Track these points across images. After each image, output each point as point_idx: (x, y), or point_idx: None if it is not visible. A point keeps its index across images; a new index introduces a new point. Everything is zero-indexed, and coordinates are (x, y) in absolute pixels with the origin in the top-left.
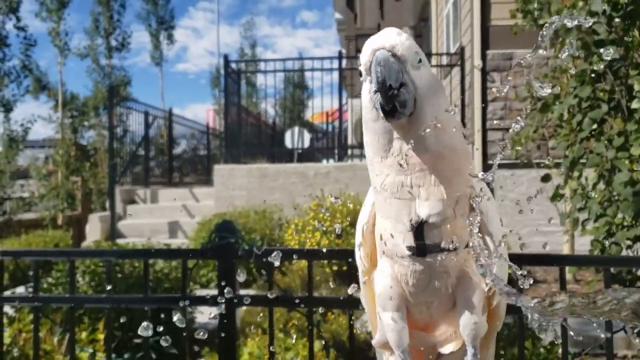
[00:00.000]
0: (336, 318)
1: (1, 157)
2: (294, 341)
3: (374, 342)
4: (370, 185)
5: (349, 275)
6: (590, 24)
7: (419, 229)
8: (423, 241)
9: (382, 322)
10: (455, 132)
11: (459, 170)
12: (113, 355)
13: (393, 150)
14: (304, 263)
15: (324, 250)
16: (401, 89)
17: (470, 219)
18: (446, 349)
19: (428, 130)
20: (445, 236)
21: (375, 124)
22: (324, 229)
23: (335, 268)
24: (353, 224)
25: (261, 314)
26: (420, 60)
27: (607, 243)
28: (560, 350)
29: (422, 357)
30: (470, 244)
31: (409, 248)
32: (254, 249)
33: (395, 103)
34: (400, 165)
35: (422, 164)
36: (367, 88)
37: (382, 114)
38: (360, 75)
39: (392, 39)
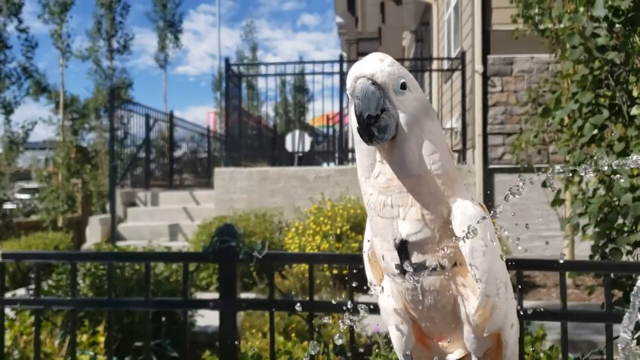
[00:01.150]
0: (336, 322)
1: (1, 159)
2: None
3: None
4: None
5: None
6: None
7: (403, 247)
8: (409, 260)
9: (390, 331)
10: (440, 156)
11: (439, 194)
12: (114, 358)
13: (375, 171)
14: (304, 266)
15: (326, 254)
16: (382, 115)
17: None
18: (453, 355)
19: (409, 155)
20: (429, 255)
21: (360, 145)
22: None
23: (335, 272)
24: (353, 228)
25: (261, 317)
26: (403, 86)
27: (607, 248)
28: (560, 356)
29: None
30: (460, 263)
31: (397, 266)
32: (255, 252)
33: (373, 129)
34: (381, 186)
35: (402, 186)
36: (353, 110)
37: (364, 138)
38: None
39: (372, 66)
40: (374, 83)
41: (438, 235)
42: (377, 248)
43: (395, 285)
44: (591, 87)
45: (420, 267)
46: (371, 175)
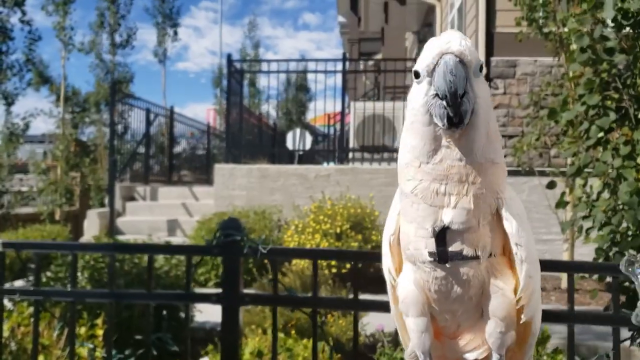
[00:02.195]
0: (336, 321)
1: (0, 151)
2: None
3: (405, 355)
4: (397, 194)
5: (349, 277)
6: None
7: (441, 235)
8: (445, 248)
9: (407, 327)
10: (499, 145)
11: (494, 183)
12: (113, 352)
13: (437, 157)
14: (303, 264)
15: (332, 250)
16: (463, 98)
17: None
18: (471, 355)
19: (478, 142)
20: (467, 244)
21: (425, 129)
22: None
23: (334, 270)
24: (353, 227)
25: (259, 314)
26: (481, 68)
27: (611, 252)
28: (559, 359)
29: None
30: (494, 254)
31: (431, 254)
32: (259, 247)
33: (460, 111)
34: (439, 173)
35: (461, 174)
36: (424, 90)
37: (443, 123)
38: (417, 76)
39: (460, 44)
40: (462, 61)
41: (480, 225)
42: (407, 235)
43: (422, 275)
44: (598, 90)
45: (456, 256)
46: (431, 161)
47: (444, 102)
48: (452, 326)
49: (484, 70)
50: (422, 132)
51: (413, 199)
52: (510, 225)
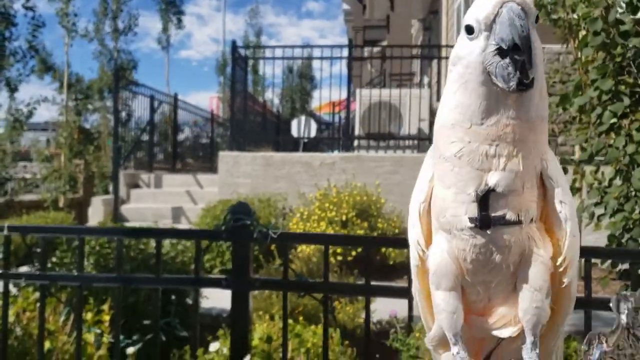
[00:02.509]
0: (343, 307)
1: (4, 137)
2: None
3: (427, 339)
4: (428, 159)
5: (354, 265)
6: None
7: (484, 199)
8: (487, 212)
9: (435, 305)
10: (547, 100)
11: (541, 142)
12: (121, 337)
13: (492, 118)
14: (309, 251)
15: (343, 235)
16: (532, 50)
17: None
18: (504, 333)
19: (535, 98)
20: (511, 208)
21: (480, 88)
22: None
23: (340, 258)
24: (359, 215)
25: (267, 300)
26: (537, 19)
27: (623, 239)
28: (574, 345)
29: (478, 347)
30: (534, 219)
31: (472, 219)
32: (270, 232)
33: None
34: (490, 134)
35: (514, 134)
36: (480, 46)
37: (509, 86)
38: (470, 31)
39: None
40: (523, 10)
41: (525, 188)
42: (444, 201)
43: (458, 243)
44: (612, 74)
45: (499, 221)
46: (485, 122)
47: (508, 60)
48: (482, 300)
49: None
50: (477, 92)
51: (455, 163)
52: (553, 183)
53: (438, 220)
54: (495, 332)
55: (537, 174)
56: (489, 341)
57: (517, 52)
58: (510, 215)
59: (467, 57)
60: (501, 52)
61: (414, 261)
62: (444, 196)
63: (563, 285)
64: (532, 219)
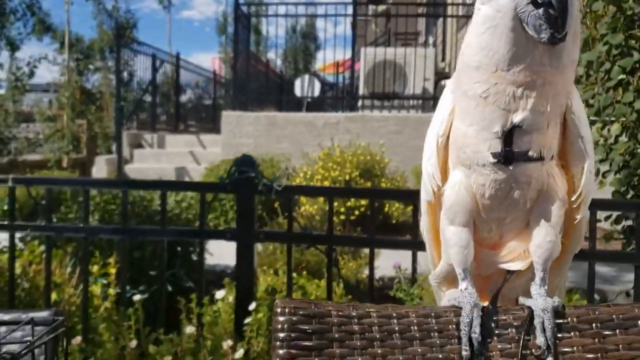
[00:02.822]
0: (346, 263)
1: (7, 97)
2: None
3: (432, 276)
4: (448, 92)
5: (357, 224)
6: None
7: (509, 135)
8: (511, 148)
9: (446, 240)
10: (577, 41)
11: (569, 83)
12: (127, 287)
13: (520, 65)
14: (312, 209)
15: (347, 188)
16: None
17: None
18: (513, 266)
19: (568, 44)
20: (534, 145)
21: (511, 34)
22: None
23: (342, 217)
24: (363, 175)
25: (271, 256)
26: None
27: (628, 195)
28: (576, 298)
29: (484, 286)
30: (554, 156)
31: (494, 155)
32: (274, 184)
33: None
34: (518, 78)
35: (544, 79)
36: None
37: (541, 37)
38: None
39: None
40: None
41: (549, 126)
42: (465, 137)
43: (478, 178)
44: (622, 29)
45: (522, 157)
46: (513, 68)
47: (542, 12)
48: (493, 237)
49: None
50: (506, 37)
51: (479, 102)
52: (576, 118)
53: (457, 156)
54: (504, 266)
55: (562, 112)
56: (495, 279)
57: (551, 7)
58: (533, 152)
59: (496, 1)
60: (535, 2)
61: (426, 196)
62: (465, 132)
63: (575, 222)
64: (552, 156)
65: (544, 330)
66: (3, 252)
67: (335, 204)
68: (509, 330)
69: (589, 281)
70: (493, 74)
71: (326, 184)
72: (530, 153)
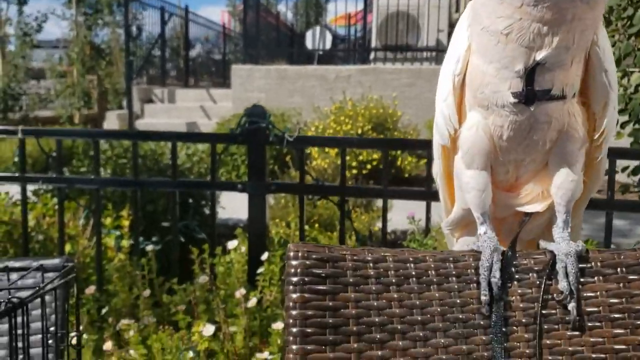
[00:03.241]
0: (358, 216)
1: (16, 53)
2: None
3: (445, 222)
4: (463, 28)
5: (369, 177)
6: None
7: (530, 73)
8: (532, 87)
9: (463, 184)
10: None
11: (599, 18)
12: (140, 239)
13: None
14: (324, 163)
15: (361, 138)
16: None
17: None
18: (532, 208)
19: None
20: (556, 82)
21: None
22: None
23: (354, 171)
24: (375, 128)
25: (283, 210)
26: None
27: None
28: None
29: (498, 229)
30: (576, 94)
31: (515, 95)
32: (285, 135)
33: None
34: (544, 14)
35: (573, 15)
36: None
37: None
38: None
39: None
40: None
41: (572, 63)
42: (484, 75)
43: (496, 120)
44: None
45: (543, 95)
46: (539, 3)
47: None
48: (510, 179)
49: None
50: None
51: (501, 38)
52: (601, 51)
53: (474, 96)
54: (521, 208)
55: (587, 48)
56: (511, 222)
57: None
58: (555, 91)
59: None
60: None
61: (440, 139)
62: (484, 70)
63: (596, 161)
64: (574, 94)
65: (566, 275)
66: (16, 204)
67: (347, 157)
68: (530, 275)
69: (606, 231)
70: (518, 9)
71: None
72: (552, 92)
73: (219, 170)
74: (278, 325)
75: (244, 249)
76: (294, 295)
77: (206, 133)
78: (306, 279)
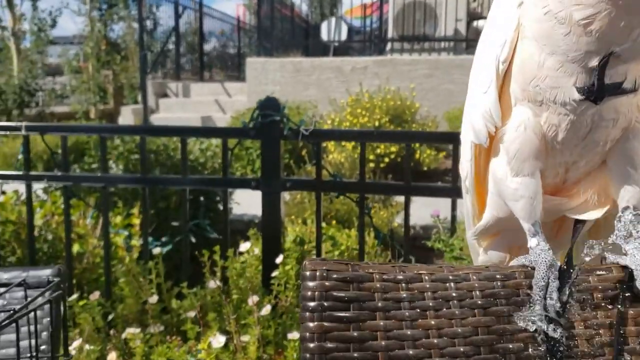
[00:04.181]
0: (377, 212)
1: (32, 48)
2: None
3: (471, 232)
4: (512, 4)
5: (387, 172)
6: None
7: (602, 67)
8: (603, 81)
9: (507, 191)
10: None
11: None
12: (150, 239)
13: None
14: (341, 157)
15: (380, 131)
16: None
17: None
18: (588, 216)
19: None
20: (629, 75)
21: None
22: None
23: (372, 165)
24: (392, 120)
25: (299, 205)
26: None
27: None
28: None
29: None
30: None
31: (581, 90)
32: (301, 128)
33: None
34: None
35: None
36: None
37: None
38: None
39: None
40: None
41: None
42: (540, 66)
43: (551, 118)
44: None
45: (614, 90)
46: None
47: None
48: (558, 182)
49: None
50: None
51: (575, 29)
52: None
53: (523, 89)
54: (574, 215)
55: None
56: (550, 227)
57: None
58: (627, 83)
59: None
60: None
61: (475, 138)
62: (540, 61)
63: None
64: None
65: None
66: (25, 203)
67: (367, 150)
68: (595, 295)
69: None
70: None
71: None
72: (624, 85)
73: (233, 165)
74: (294, 335)
75: (257, 250)
76: (312, 325)
77: (217, 128)
78: (326, 304)
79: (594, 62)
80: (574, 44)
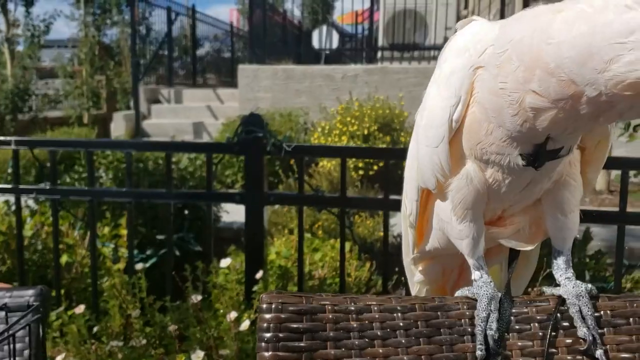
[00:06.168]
0: (363, 221)
1: (24, 54)
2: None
3: (409, 259)
4: (467, 65)
5: (376, 179)
6: None
7: (543, 144)
8: (544, 149)
9: (453, 233)
10: None
11: None
12: (135, 252)
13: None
14: (330, 166)
15: (360, 147)
16: None
17: None
18: (521, 246)
19: None
20: (566, 144)
21: None
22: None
23: (361, 173)
24: (382, 129)
25: (286, 215)
26: None
27: None
28: (605, 259)
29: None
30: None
31: (524, 157)
32: (283, 144)
33: None
34: None
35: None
36: None
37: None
38: None
39: None
40: None
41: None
42: (487, 134)
43: (495, 175)
44: None
45: (553, 156)
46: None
47: None
48: (496, 215)
49: None
50: None
51: (522, 115)
52: None
53: (471, 147)
54: (508, 244)
55: None
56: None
57: None
58: (564, 151)
59: None
60: None
61: (423, 184)
62: (488, 129)
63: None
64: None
65: (583, 319)
66: (15, 213)
67: (353, 159)
68: (531, 325)
69: (617, 247)
70: (576, 88)
71: (344, 138)
72: (562, 152)
73: (223, 173)
74: None
75: (238, 265)
76: (267, 354)
77: (202, 143)
78: (280, 334)
79: (536, 142)
80: (518, 125)
